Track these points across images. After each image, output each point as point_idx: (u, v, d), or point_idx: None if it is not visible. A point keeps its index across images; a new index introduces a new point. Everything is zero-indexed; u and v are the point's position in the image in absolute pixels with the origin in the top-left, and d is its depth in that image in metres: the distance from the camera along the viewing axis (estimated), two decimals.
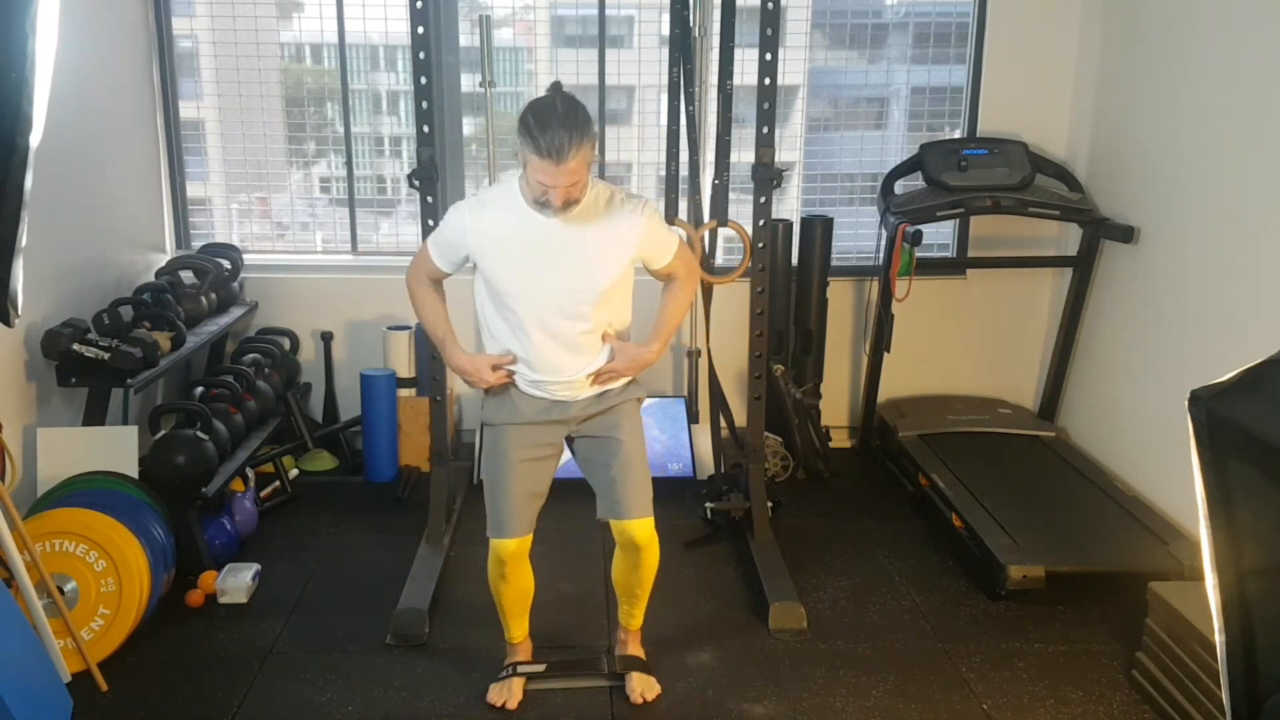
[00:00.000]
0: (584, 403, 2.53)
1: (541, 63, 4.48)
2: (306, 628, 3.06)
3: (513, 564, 2.60)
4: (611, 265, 2.40)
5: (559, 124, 2.15)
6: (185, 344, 3.60)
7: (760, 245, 3.42)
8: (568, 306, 2.39)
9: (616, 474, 2.53)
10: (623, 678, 2.75)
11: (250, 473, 3.74)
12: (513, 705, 2.67)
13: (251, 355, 4.17)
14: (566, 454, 4.21)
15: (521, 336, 2.43)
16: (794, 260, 4.26)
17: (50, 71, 2.19)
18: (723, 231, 3.84)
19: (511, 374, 2.51)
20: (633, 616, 2.79)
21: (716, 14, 3.67)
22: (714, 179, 3.72)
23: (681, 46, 3.69)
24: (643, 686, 2.71)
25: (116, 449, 3.18)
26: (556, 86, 2.30)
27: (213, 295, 4.01)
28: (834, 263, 4.32)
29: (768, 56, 3.23)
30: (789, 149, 4.52)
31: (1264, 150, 3.10)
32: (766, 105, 3.27)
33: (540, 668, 2.77)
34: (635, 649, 2.82)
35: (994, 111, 4.38)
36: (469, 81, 4.41)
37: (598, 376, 2.48)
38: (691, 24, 3.74)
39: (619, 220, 2.37)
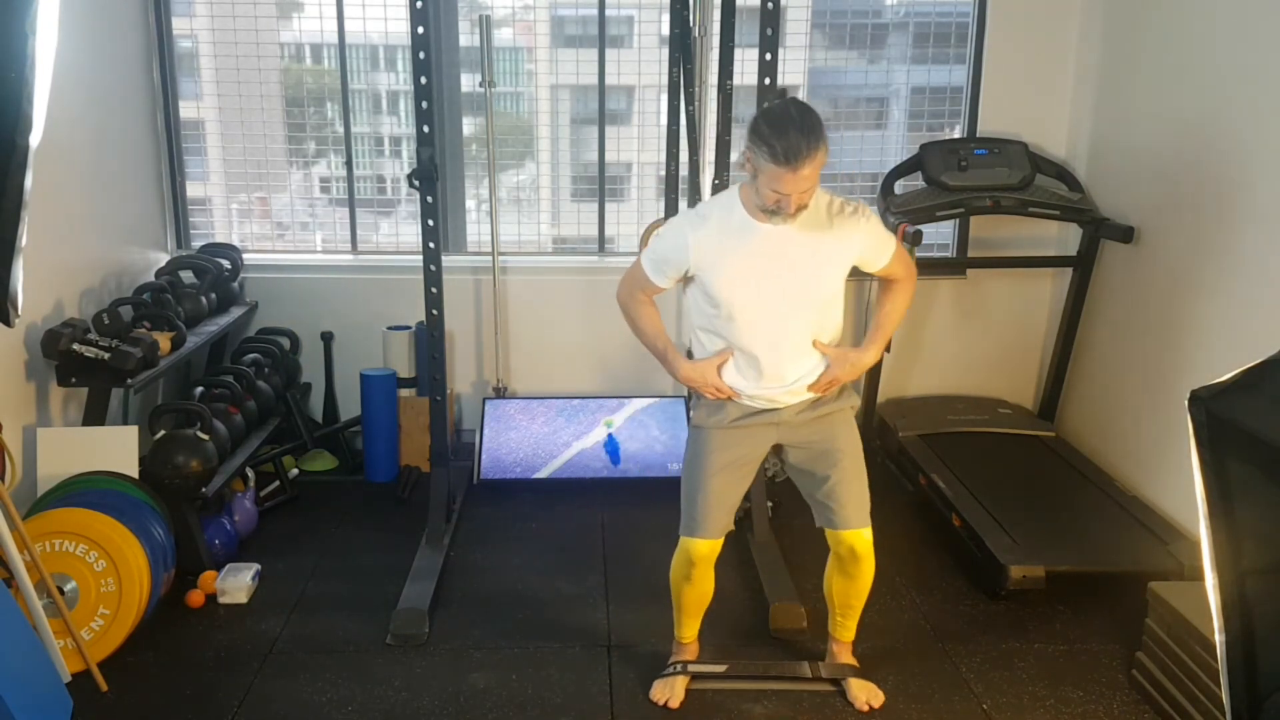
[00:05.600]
0: (797, 407, 2.50)
1: (541, 63, 4.48)
2: (306, 628, 3.06)
3: (701, 565, 2.59)
4: (834, 272, 2.40)
5: (796, 131, 2.14)
6: (185, 344, 3.60)
7: None
8: (789, 315, 2.39)
9: (835, 484, 2.51)
10: (838, 683, 2.74)
11: (250, 473, 3.74)
12: (675, 704, 2.66)
13: (251, 355, 4.17)
14: (570, 451, 4.23)
15: (740, 346, 2.42)
16: None
17: (50, 71, 2.19)
18: None
19: (736, 390, 2.48)
20: (846, 628, 2.77)
21: (716, 14, 3.68)
22: (714, 179, 3.73)
23: (681, 46, 3.70)
24: (867, 694, 2.69)
25: (116, 449, 3.18)
26: (784, 93, 2.29)
27: (213, 295, 4.01)
28: None
29: (768, 56, 3.23)
30: None
31: (1264, 150, 3.10)
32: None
33: (720, 668, 2.76)
34: (847, 659, 2.79)
35: (994, 111, 4.38)
36: (469, 81, 4.41)
37: (816, 384, 2.46)
38: (691, 24, 3.74)
39: (841, 227, 2.36)
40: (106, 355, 3.15)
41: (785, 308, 2.38)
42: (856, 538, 2.53)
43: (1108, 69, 4.09)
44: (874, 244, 2.43)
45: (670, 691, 2.68)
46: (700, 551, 2.56)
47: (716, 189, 3.68)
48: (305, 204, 4.62)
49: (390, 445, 4.21)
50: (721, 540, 2.58)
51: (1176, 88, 3.59)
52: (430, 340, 3.57)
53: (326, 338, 4.47)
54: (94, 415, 3.27)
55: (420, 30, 3.24)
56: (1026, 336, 4.60)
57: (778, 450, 2.61)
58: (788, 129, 2.14)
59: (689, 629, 2.78)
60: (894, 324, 2.57)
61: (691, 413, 2.61)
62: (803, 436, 2.53)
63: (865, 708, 2.67)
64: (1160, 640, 2.66)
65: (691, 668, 2.75)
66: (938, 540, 3.62)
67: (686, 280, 2.46)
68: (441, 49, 4.31)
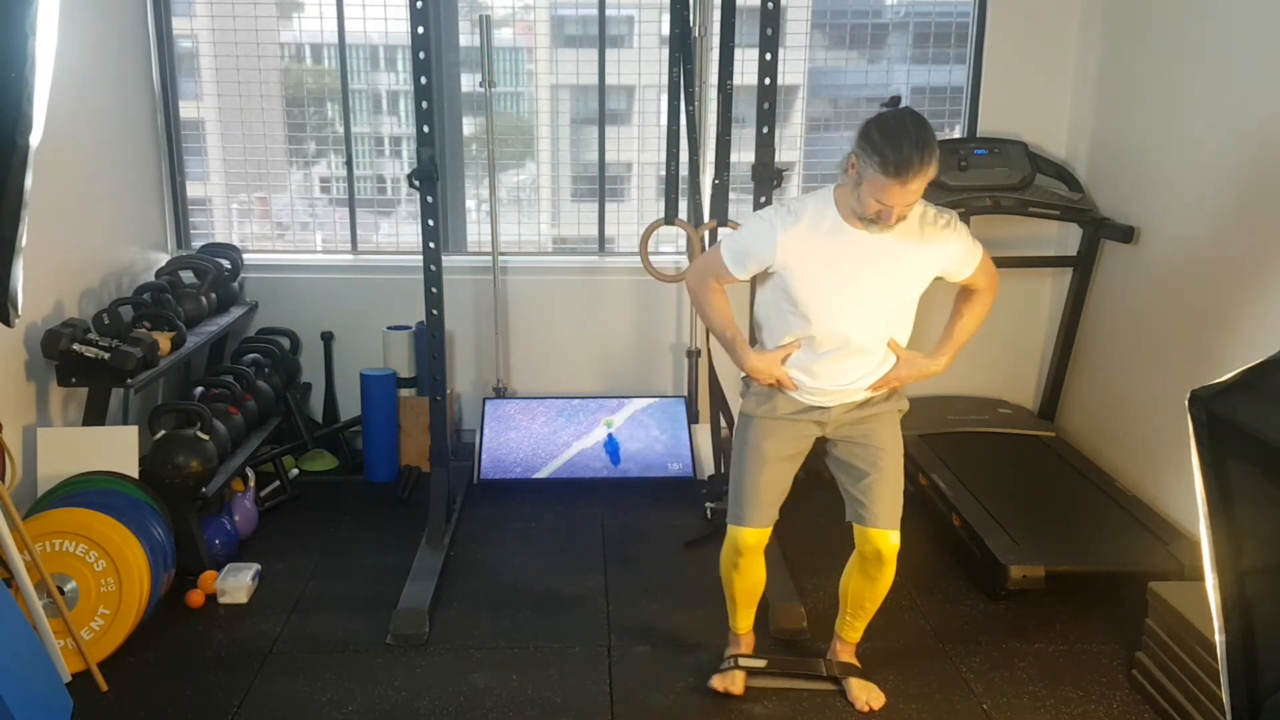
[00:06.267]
0: (846, 406, 2.50)
1: (541, 63, 4.48)
2: (306, 628, 3.06)
3: (749, 554, 2.60)
4: (918, 282, 2.41)
5: (910, 144, 2.10)
6: (185, 344, 3.60)
7: None
8: (865, 318, 2.38)
9: (872, 482, 2.51)
10: (840, 682, 2.75)
11: (250, 473, 3.74)
12: (737, 691, 2.71)
13: (251, 355, 4.17)
14: (570, 451, 4.22)
15: (809, 345, 2.42)
16: None
17: (50, 71, 2.19)
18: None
19: (797, 384, 2.48)
20: (854, 629, 2.77)
21: (716, 14, 3.68)
22: (714, 179, 3.73)
23: (681, 46, 3.69)
24: (868, 695, 2.70)
25: (116, 449, 3.18)
26: (896, 101, 2.25)
27: (213, 295, 4.00)
28: None
29: (768, 56, 3.23)
30: (789, 149, 4.52)
31: (1264, 150, 3.10)
32: (766, 105, 3.27)
33: (761, 663, 2.79)
34: (850, 659, 2.80)
35: (994, 111, 4.38)
36: (469, 81, 4.41)
37: (877, 383, 2.47)
38: (691, 24, 3.74)
39: (931, 238, 2.35)
40: (106, 355, 3.15)
41: (862, 311, 2.37)
42: (883, 539, 2.52)
43: (1108, 69, 4.08)
44: (962, 256, 2.41)
45: (730, 683, 2.72)
46: (748, 541, 2.57)
47: (716, 189, 3.68)
48: (305, 204, 4.62)
49: (390, 445, 4.21)
50: (769, 530, 2.58)
51: (1177, 88, 3.59)
52: (430, 340, 3.57)
53: (326, 338, 4.47)
54: (94, 415, 3.27)
55: (420, 30, 3.24)
56: (1026, 336, 4.60)
57: (824, 444, 2.61)
58: (901, 141, 2.11)
59: (743, 619, 2.80)
60: (969, 334, 2.54)
61: (740, 400, 2.62)
62: (847, 433, 2.54)
63: (865, 708, 2.67)
64: (1160, 640, 2.66)
65: (742, 662, 2.77)
66: (938, 540, 3.62)
67: (765, 275, 2.44)
68: (441, 49, 4.31)
